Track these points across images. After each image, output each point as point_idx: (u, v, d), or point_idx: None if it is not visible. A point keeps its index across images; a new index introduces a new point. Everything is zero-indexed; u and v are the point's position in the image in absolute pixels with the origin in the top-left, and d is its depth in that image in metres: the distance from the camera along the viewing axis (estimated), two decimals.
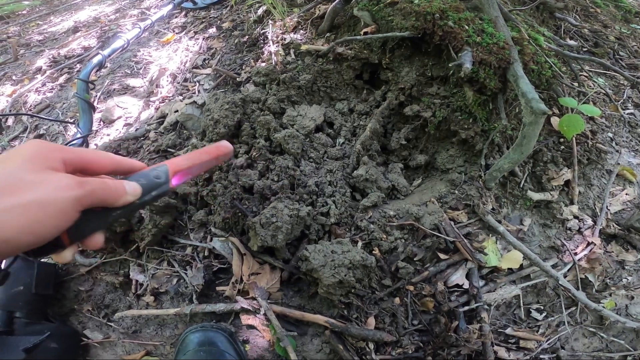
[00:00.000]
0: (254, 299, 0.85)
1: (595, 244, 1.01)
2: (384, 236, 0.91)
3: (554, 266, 0.95)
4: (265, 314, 0.83)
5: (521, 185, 1.04)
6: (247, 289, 0.85)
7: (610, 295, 0.96)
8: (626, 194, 1.15)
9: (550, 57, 1.02)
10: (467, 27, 0.85)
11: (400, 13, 0.92)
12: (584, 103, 1.03)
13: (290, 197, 0.87)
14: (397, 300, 0.87)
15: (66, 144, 1.06)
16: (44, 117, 1.00)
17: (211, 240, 0.92)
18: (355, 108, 1.09)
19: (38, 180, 0.36)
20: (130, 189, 0.43)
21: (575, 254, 0.99)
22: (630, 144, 1.27)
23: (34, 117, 1.16)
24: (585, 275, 0.97)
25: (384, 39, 0.96)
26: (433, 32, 0.86)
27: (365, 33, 0.99)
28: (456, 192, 0.98)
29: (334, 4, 1.12)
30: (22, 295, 0.87)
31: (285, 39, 1.22)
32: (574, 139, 1.12)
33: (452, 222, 0.94)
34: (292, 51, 1.18)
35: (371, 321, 0.83)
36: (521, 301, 0.92)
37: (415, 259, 0.90)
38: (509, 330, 0.89)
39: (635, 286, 0.99)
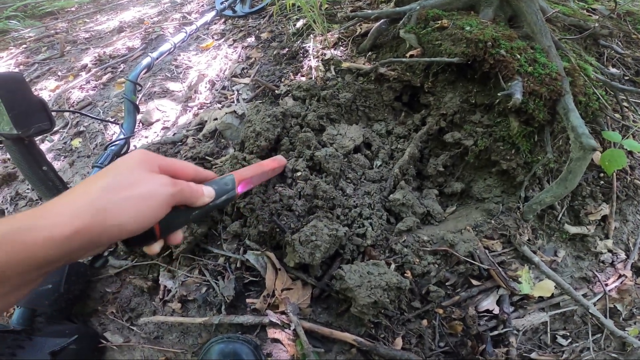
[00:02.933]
0: (283, 313, 0.85)
1: (626, 277, 1.03)
2: (417, 260, 0.91)
3: (584, 295, 0.97)
4: (294, 329, 0.83)
5: (559, 219, 1.03)
6: (277, 303, 0.86)
7: (635, 323, 0.98)
8: None
9: (598, 88, 1.01)
10: (519, 56, 0.84)
11: (450, 38, 0.92)
12: (625, 137, 1.01)
13: (329, 216, 0.87)
14: (424, 322, 0.88)
15: (109, 144, 1.09)
16: (92, 115, 1.03)
17: (244, 252, 0.93)
18: (393, 130, 1.09)
19: (144, 179, 0.45)
20: (207, 192, 0.53)
21: (606, 284, 1.00)
22: None
23: (83, 115, 1.20)
24: (614, 305, 0.99)
25: (430, 63, 0.96)
26: (483, 60, 0.86)
27: (412, 56, 0.99)
28: (493, 221, 0.98)
29: (378, 23, 1.13)
30: (49, 294, 0.87)
31: (325, 55, 1.24)
32: (614, 174, 1.10)
33: (486, 250, 0.95)
34: (332, 67, 1.19)
35: (398, 341, 0.84)
36: (548, 327, 0.94)
37: (446, 284, 0.91)
38: (533, 355, 0.90)
39: None
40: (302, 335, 0.81)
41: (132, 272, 1.00)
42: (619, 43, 1.62)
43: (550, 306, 0.95)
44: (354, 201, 0.93)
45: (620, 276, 1.02)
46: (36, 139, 0.83)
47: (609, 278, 1.02)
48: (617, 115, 1.22)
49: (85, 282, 0.98)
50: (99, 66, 1.68)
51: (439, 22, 0.97)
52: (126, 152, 1.09)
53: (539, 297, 0.94)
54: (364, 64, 1.15)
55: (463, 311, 0.88)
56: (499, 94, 0.83)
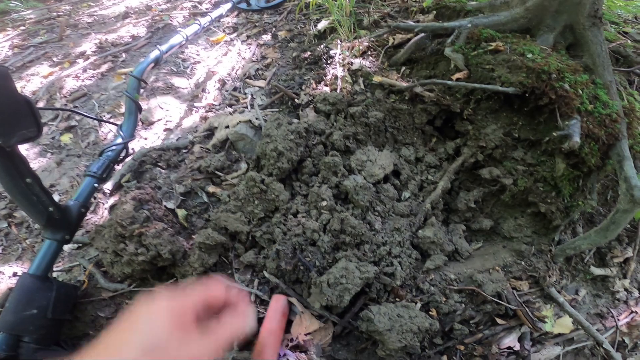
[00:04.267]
0: (303, 351, 0.79)
1: (637, 313, 1.05)
2: (444, 299, 0.88)
3: (597, 330, 0.99)
4: None
5: (585, 261, 1.01)
6: (299, 345, 0.79)
7: (637, 353, 1.03)
8: None
9: None
10: (581, 92, 0.77)
11: (506, 65, 0.84)
12: None
13: (358, 255, 0.80)
14: (445, 358, 0.85)
15: (105, 149, 0.96)
16: (88, 115, 0.90)
17: (259, 284, 0.84)
18: (423, 158, 1.01)
19: (182, 343, 0.40)
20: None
21: (618, 320, 1.03)
22: None
23: (74, 112, 1.06)
24: (622, 338, 1.02)
25: (480, 89, 0.87)
26: (543, 93, 0.78)
27: (458, 79, 0.91)
28: (523, 263, 0.93)
29: (419, 37, 1.03)
30: (35, 319, 0.77)
31: (352, 64, 1.13)
32: None
33: (514, 291, 0.92)
34: (360, 80, 1.09)
35: None
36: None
37: (471, 322, 0.88)
38: None
39: None
40: None
41: (128, 296, 0.90)
42: None
43: (565, 341, 0.96)
44: (383, 237, 0.86)
45: (631, 312, 1.05)
46: None
47: (620, 314, 1.05)
48: None
49: (74, 305, 0.88)
50: (99, 54, 1.52)
51: (493, 44, 0.88)
52: (125, 158, 0.97)
53: (558, 333, 0.95)
54: (397, 79, 1.05)
55: (485, 348, 0.87)
56: (554, 133, 0.76)
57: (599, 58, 0.85)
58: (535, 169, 0.89)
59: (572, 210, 0.90)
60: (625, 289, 1.07)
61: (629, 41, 1.46)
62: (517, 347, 0.89)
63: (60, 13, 2.12)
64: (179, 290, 0.43)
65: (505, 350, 0.89)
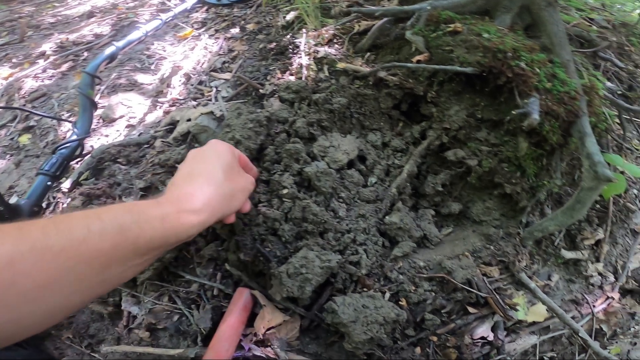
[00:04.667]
0: (267, 346, 0.76)
1: (614, 299, 1.04)
2: (413, 288, 0.85)
3: (572, 317, 0.98)
4: None
5: (555, 244, 1.00)
6: (263, 339, 0.76)
7: (617, 342, 1.02)
8: None
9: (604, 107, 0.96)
10: (538, 71, 0.76)
11: (464, 45, 0.83)
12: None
13: (320, 243, 0.77)
14: (418, 349, 0.83)
15: (58, 147, 0.92)
16: (38, 112, 0.87)
17: (222, 278, 0.81)
18: (390, 143, 0.99)
19: (242, 176, 0.64)
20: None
21: (594, 306, 1.01)
22: None
23: (27, 112, 1.02)
24: (599, 326, 1.00)
25: (441, 71, 0.86)
26: (500, 72, 0.77)
27: (419, 61, 0.89)
28: (492, 247, 0.92)
29: (381, 22, 1.02)
30: None
31: (318, 52, 1.12)
32: (611, 198, 1.08)
33: (484, 277, 0.90)
34: (325, 67, 1.08)
35: None
36: (537, 350, 0.93)
37: (442, 311, 0.86)
38: None
39: None
40: None
41: None
42: (611, 54, 1.61)
43: (541, 329, 0.95)
44: (347, 225, 0.83)
45: (607, 298, 1.03)
46: None
47: (596, 300, 1.03)
48: (610, 135, 1.20)
49: None
50: (60, 53, 1.48)
51: (452, 25, 0.87)
52: (80, 155, 0.93)
53: (532, 321, 0.92)
54: (361, 65, 1.04)
55: (458, 338, 0.85)
56: (513, 112, 0.75)
57: (556, 37, 0.84)
58: (499, 149, 0.88)
59: (538, 190, 0.89)
60: (599, 273, 1.05)
61: (594, 27, 1.48)
62: (490, 337, 0.87)
63: (22, 14, 2.07)
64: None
65: (479, 340, 0.87)
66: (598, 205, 1.09)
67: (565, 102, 0.76)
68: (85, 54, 1.47)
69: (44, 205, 0.90)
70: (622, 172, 0.99)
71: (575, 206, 0.81)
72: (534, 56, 0.79)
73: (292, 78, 1.09)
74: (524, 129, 0.78)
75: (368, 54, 1.09)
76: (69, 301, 0.38)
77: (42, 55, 1.52)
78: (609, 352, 0.94)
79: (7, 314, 0.33)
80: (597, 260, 1.06)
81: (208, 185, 0.52)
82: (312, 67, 1.08)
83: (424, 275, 0.86)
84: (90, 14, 1.86)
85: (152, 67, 1.33)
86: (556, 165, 0.83)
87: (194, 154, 0.60)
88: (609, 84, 1.41)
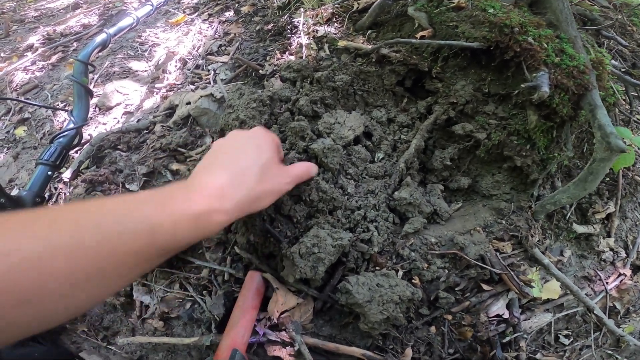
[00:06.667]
0: (282, 330, 0.75)
1: (626, 275, 1.03)
2: (426, 265, 0.84)
3: (586, 295, 0.97)
4: (297, 349, 0.73)
5: (567, 218, 0.99)
6: (277, 324, 0.75)
7: (630, 320, 1.01)
8: None
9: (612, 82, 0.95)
10: (546, 46, 0.74)
11: (469, 20, 0.81)
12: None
13: (330, 221, 0.75)
14: (432, 328, 0.83)
15: (56, 136, 0.89)
16: (32, 102, 0.84)
17: (232, 262, 0.80)
18: (395, 118, 0.97)
19: (277, 174, 0.57)
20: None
21: (607, 283, 1.00)
22: None
23: (21, 102, 0.99)
24: (613, 304, 1.00)
25: (441, 46, 0.84)
26: (507, 47, 0.75)
27: (422, 37, 0.87)
28: (504, 222, 0.90)
29: None
30: None
31: (317, 32, 1.09)
32: (620, 171, 1.07)
33: (497, 253, 0.88)
34: (326, 46, 1.05)
35: (408, 352, 0.78)
36: (552, 328, 0.93)
37: (456, 289, 0.85)
38: (538, 356, 0.90)
39: None
40: (306, 354, 0.72)
41: None
42: (614, 33, 1.59)
43: (555, 307, 0.94)
44: (357, 201, 0.82)
45: (619, 275, 1.03)
46: None
47: (609, 277, 1.02)
48: (619, 109, 1.19)
49: None
50: (48, 45, 1.44)
51: (455, 1, 0.85)
52: (78, 144, 0.90)
53: (546, 299, 0.91)
54: (362, 43, 1.01)
55: (473, 317, 0.84)
56: (522, 85, 0.73)
57: (562, 14, 0.83)
58: (508, 122, 0.86)
59: (549, 162, 0.88)
60: (611, 249, 1.05)
61: (596, 7, 1.46)
62: (506, 314, 0.86)
63: (4, 10, 2.02)
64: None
65: (495, 318, 0.86)
66: (607, 178, 1.09)
67: (574, 76, 0.74)
68: (75, 44, 1.44)
69: (46, 196, 0.88)
70: (629, 145, 0.98)
71: (587, 178, 0.80)
72: (541, 31, 0.77)
73: (292, 58, 1.06)
74: (533, 102, 0.77)
75: (369, 32, 1.06)
76: (93, 296, 0.37)
77: (30, 48, 1.48)
78: (623, 331, 0.94)
79: (31, 311, 0.31)
80: (609, 235, 1.06)
81: (241, 184, 0.49)
82: (312, 46, 1.05)
83: (436, 252, 0.85)
84: (75, 6, 1.82)
85: (146, 54, 1.29)
86: (567, 138, 0.82)
87: (235, 140, 0.56)
88: (613, 61, 1.39)
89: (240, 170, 0.50)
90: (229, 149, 0.54)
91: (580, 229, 0.99)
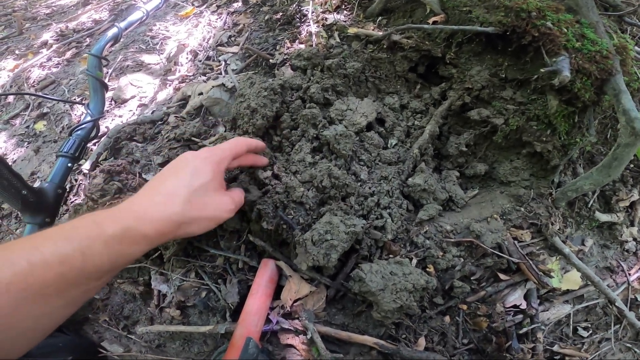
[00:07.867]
0: (295, 318, 0.75)
1: None
2: (441, 253, 0.82)
3: (608, 286, 0.93)
4: (310, 337, 0.73)
5: (589, 205, 0.95)
6: (290, 312, 0.75)
7: None
8: None
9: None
10: (566, 30, 0.71)
11: (483, 5, 0.79)
12: None
13: (343, 208, 0.75)
14: (447, 318, 0.81)
15: (74, 129, 0.91)
16: (50, 97, 0.86)
17: (247, 250, 0.80)
18: (408, 105, 0.95)
19: (214, 201, 0.54)
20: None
21: (629, 275, 0.97)
22: None
23: (39, 97, 1.01)
24: (634, 296, 0.96)
25: (460, 31, 0.82)
26: (525, 32, 0.73)
27: (435, 22, 0.85)
28: (522, 209, 0.88)
29: None
30: None
31: (327, 19, 1.07)
32: None
33: (515, 242, 0.86)
34: (336, 34, 1.03)
35: (421, 342, 0.77)
36: (571, 320, 0.91)
37: (472, 278, 0.83)
38: (556, 348, 0.88)
39: None
40: (319, 342, 0.72)
41: (119, 275, 0.87)
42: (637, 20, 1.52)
43: (575, 298, 0.91)
44: (370, 188, 0.81)
45: None
46: None
47: (631, 268, 0.98)
48: None
49: None
50: (61, 41, 1.47)
51: None
52: (96, 136, 0.92)
53: (566, 289, 0.88)
54: (373, 29, 0.99)
55: (489, 307, 0.82)
56: (542, 70, 0.71)
57: None
58: (527, 107, 0.83)
59: (570, 148, 0.85)
60: (634, 239, 1.01)
61: None
62: (523, 305, 0.84)
63: (16, 8, 2.07)
64: (217, 146, 0.58)
65: (511, 309, 0.84)
66: (632, 165, 1.04)
67: (597, 61, 0.71)
68: (88, 40, 1.47)
69: (67, 187, 0.90)
70: None
71: (611, 164, 0.76)
72: (560, 16, 0.75)
73: (302, 46, 1.05)
74: (554, 87, 0.74)
75: (379, 18, 1.04)
76: (38, 325, 0.37)
77: (45, 44, 1.52)
78: None
79: None
80: (632, 224, 1.01)
81: (165, 208, 0.47)
82: (322, 34, 1.04)
83: (452, 240, 0.83)
84: (85, 2, 1.86)
85: (157, 47, 1.30)
86: (589, 123, 0.79)
87: (176, 162, 0.54)
88: (636, 47, 1.33)
89: (166, 193, 0.48)
90: (166, 170, 0.53)
91: (603, 217, 0.95)
